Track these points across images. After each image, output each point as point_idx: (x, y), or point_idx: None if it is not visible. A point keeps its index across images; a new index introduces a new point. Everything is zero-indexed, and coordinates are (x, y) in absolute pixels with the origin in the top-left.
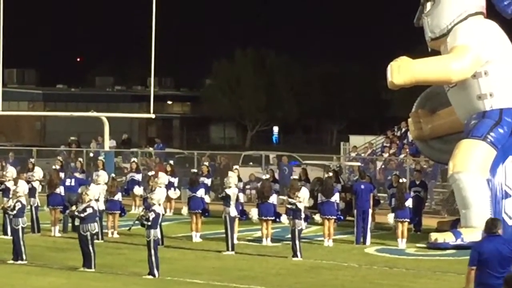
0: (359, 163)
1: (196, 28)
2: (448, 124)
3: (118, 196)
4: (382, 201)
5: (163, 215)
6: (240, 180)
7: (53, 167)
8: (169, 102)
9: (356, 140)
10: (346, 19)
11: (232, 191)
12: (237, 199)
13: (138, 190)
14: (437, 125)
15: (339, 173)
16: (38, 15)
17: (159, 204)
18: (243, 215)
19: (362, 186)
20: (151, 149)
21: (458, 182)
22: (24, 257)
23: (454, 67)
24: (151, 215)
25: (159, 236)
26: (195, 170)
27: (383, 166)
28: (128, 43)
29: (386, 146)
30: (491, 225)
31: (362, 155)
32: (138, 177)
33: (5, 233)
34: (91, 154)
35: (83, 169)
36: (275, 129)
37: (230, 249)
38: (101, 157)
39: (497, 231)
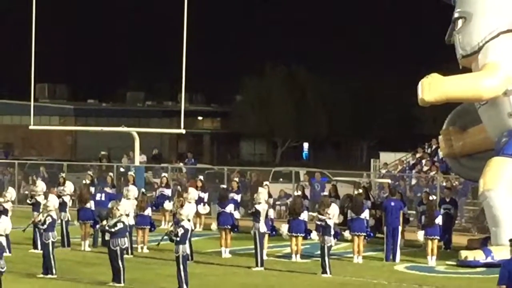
0: (389, 180)
1: (227, 43)
2: (478, 142)
3: (148, 211)
4: (412, 219)
5: (192, 230)
6: (270, 196)
7: (84, 181)
8: (200, 118)
9: (387, 157)
10: (375, 36)
11: (262, 207)
12: (267, 215)
13: (168, 205)
14: (467, 142)
15: (369, 190)
16: (70, 30)
17: (188, 220)
18: (273, 231)
19: (392, 203)
20: (181, 164)
21: (489, 200)
22: (54, 271)
23: (485, 85)
24: (180, 231)
25: (188, 252)
26: (225, 186)
27: (413, 184)
28: (159, 59)
29: (416, 163)
30: None
31: (393, 172)
32: (168, 192)
33: (36, 247)
34: (122, 169)
35: (114, 184)
36: (305, 145)
37: (259, 265)
38: (131, 172)
39: None
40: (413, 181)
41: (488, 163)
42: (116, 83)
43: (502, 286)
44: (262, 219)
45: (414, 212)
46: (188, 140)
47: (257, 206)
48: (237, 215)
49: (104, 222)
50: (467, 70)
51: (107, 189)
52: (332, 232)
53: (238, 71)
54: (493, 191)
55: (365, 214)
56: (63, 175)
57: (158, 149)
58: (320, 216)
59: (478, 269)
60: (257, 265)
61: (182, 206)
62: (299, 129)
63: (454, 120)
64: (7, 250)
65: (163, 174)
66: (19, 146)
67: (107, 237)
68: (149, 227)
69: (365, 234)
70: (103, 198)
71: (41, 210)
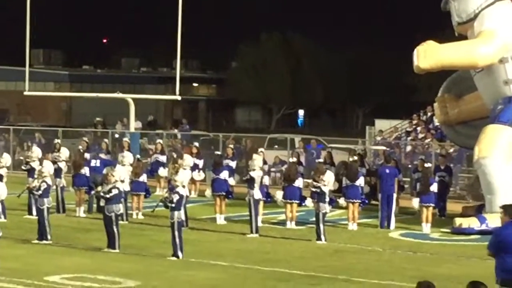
0: (384, 147)
1: (222, 10)
2: (474, 109)
3: (143, 178)
4: (406, 186)
5: (187, 197)
6: (265, 163)
7: (79, 148)
8: (195, 84)
9: (382, 124)
10: (372, 3)
11: (256, 174)
12: (262, 182)
13: (162, 172)
14: (463, 110)
15: (364, 157)
16: None
17: (183, 186)
18: (268, 197)
19: (387, 170)
20: (176, 131)
21: (484, 167)
22: (49, 237)
23: (480, 52)
24: (175, 197)
25: (183, 218)
26: (220, 153)
27: (408, 151)
28: (154, 25)
29: (412, 130)
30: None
31: (388, 139)
32: (163, 158)
33: (31, 213)
34: (117, 136)
35: (109, 150)
36: (301, 112)
37: (254, 231)
38: (126, 139)
39: None
40: (408, 149)
41: (483, 130)
42: (111, 49)
43: (490, 253)
44: (257, 186)
45: (408, 179)
46: (183, 107)
47: (251, 173)
48: (231, 181)
49: (99, 188)
50: (462, 37)
51: (102, 156)
52: (327, 199)
53: (234, 37)
54: (488, 158)
55: (360, 181)
56: (58, 141)
57: (153, 115)
58: (315, 183)
59: (473, 237)
60: (251, 232)
61: (177, 172)
62: (295, 96)
63: (449, 87)
64: (2, 216)
65: (158, 141)
66: (14, 112)
67: (102, 203)
68: (144, 193)
69: (360, 201)
70: (98, 165)
71: (36, 176)
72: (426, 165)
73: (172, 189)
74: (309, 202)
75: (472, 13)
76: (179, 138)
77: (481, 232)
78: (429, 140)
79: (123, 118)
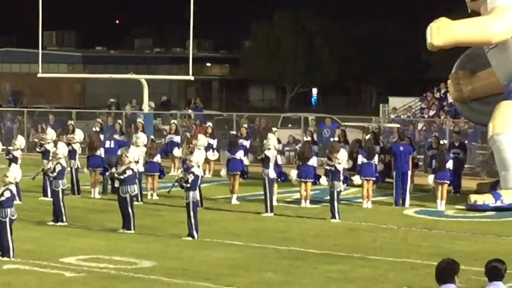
0: (398, 125)
1: None
2: (488, 86)
3: (157, 158)
4: (420, 163)
5: (202, 177)
6: (279, 142)
7: (93, 129)
8: (208, 64)
9: (396, 101)
10: None
11: (271, 153)
12: (276, 161)
13: (177, 152)
14: (477, 86)
15: (378, 135)
16: None
17: (198, 166)
18: (282, 176)
19: (401, 148)
20: (190, 111)
21: (498, 143)
22: (64, 218)
23: (494, 28)
24: (190, 177)
25: (198, 198)
26: (234, 132)
27: (422, 128)
28: (167, 5)
29: (426, 107)
30: None
31: (402, 116)
32: (177, 139)
33: (45, 195)
34: (128, 115)
35: (122, 131)
36: (314, 91)
37: (269, 210)
38: (140, 119)
39: None
40: (422, 126)
41: (497, 107)
42: (124, 30)
43: None
44: (271, 165)
45: (423, 156)
46: (197, 87)
47: (266, 152)
48: (246, 161)
49: (114, 170)
50: (475, 14)
51: (116, 136)
52: (341, 177)
53: (247, 17)
54: (503, 135)
55: (375, 159)
56: (72, 122)
57: (167, 96)
58: (329, 162)
59: (488, 213)
60: (266, 211)
61: (191, 152)
62: (308, 74)
63: (463, 64)
64: (17, 198)
65: (172, 121)
66: (28, 94)
67: (116, 184)
68: (158, 173)
69: (374, 179)
70: (112, 146)
71: (50, 158)
72: (441, 142)
73: (187, 169)
74: (323, 181)
75: None
76: (193, 118)
77: (496, 209)
78: (443, 117)
79: (136, 98)
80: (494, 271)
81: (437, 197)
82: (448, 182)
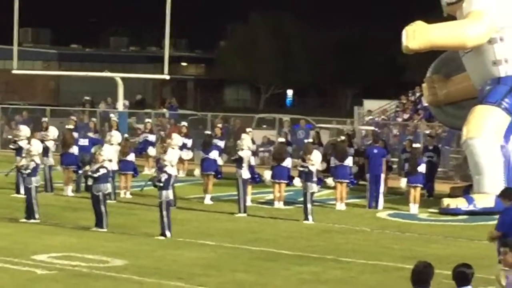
0: (373, 128)
1: None
2: (462, 90)
3: (131, 157)
4: (394, 166)
5: (176, 176)
6: (253, 142)
7: (67, 126)
8: (184, 64)
9: (371, 104)
10: None
11: (245, 154)
12: (249, 161)
13: (151, 151)
14: (451, 90)
15: (352, 137)
16: None
17: (172, 165)
18: (256, 177)
19: (375, 151)
20: (165, 110)
21: (472, 147)
22: (37, 216)
23: (469, 33)
24: (164, 176)
25: (172, 197)
26: (209, 132)
27: (397, 131)
28: (143, 4)
29: (400, 110)
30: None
31: (376, 119)
32: (152, 138)
33: (18, 192)
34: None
35: (97, 129)
36: (289, 92)
37: (242, 211)
38: (114, 118)
39: None
40: (397, 129)
41: (471, 111)
42: (100, 28)
43: (499, 232)
44: (245, 165)
45: (397, 159)
46: (172, 86)
47: (240, 153)
48: (220, 161)
49: (87, 167)
50: (451, 18)
51: (90, 134)
52: (315, 179)
53: (223, 17)
54: (476, 139)
55: (348, 161)
56: (46, 120)
57: (142, 94)
58: (303, 163)
59: (460, 217)
60: (240, 212)
61: (165, 152)
62: (283, 76)
63: (438, 68)
64: None
65: (147, 120)
66: (1, 91)
67: (90, 182)
68: (132, 172)
69: (348, 181)
70: (86, 143)
71: (24, 155)
72: (414, 145)
73: (160, 168)
74: (297, 182)
75: None
76: (168, 118)
77: (469, 213)
78: (417, 120)
79: (111, 97)
80: (461, 275)
81: (410, 200)
82: (421, 185)
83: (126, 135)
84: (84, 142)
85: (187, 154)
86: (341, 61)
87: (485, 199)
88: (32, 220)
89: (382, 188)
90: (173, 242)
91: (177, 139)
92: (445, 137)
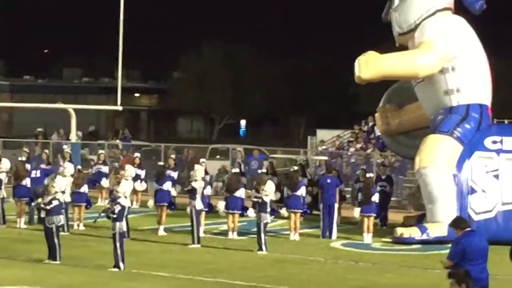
0: (326, 157)
1: (164, 20)
2: (415, 119)
3: (84, 188)
4: (348, 196)
5: (129, 207)
6: (207, 173)
7: (19, 158)
8: (137, 95)
9: (324, 134)
10: (315, 13)
11: (198, 184)
12: (203, 192)
13: (104, 182)
14: (404, 120)
15: (306, 167)
16: (4, 6)
17: (125, 197)
18: (210, 208)
19: (329, 180)
20: (118, 141)
21: (424, 177)
22: None
23: (421, 63)
24: (117, 208)
25: (125, 229)
26: (162, 163)
27: (350, 161)
28: (95, 35)
29: (353, 140)
30: (463, 221)
31: (330, 149)
32: (105, 169)
33: None
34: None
35: (49, 160)
36: (243, 122)
37: (195, 242)
38: (67, 149)
39: (469, 226)
40: (350, 159)
41: (424, 140)
42: (53, 60)
43: (451, 262)
44: (198, 196)
45: (350, 189)
46: (125, 117)
47: (193, 184)
48: (174, 192)
49: (40, 200)
50: (403, 48)
51: (43, 166)
52: (269, 209)
53: (175, 48)
54: (429, 168)
55: (302, 191)
56: None
57: (95, 126)
58: (256, 193)
59: (414, 246)
60: (193, 243)
61: (119, 183)
62: (237, 106)
63: (390, 97)
64: None
65: (100, 151)
66: None
67: (42, 214)
68: (85, 204)
69: (301, 211)
70: (38, 175)
71: None
72: (368, 175)
73: (114, 199)
74: (251, 213)
75: (413, 23)
76: (121, 149)
77: (422, 242)
78: (370, 150)
79: (64, 128)
80: None
81: (364, 230)
82: (374, 215)
83: (79, 167)
84: (36, 174)
85: (140, 185)
86: (294, 91)
87: (438, 228)
88: None
89: (335, 218)
90: (127, 273)
91: (130, 170)
92: (398, 167)
